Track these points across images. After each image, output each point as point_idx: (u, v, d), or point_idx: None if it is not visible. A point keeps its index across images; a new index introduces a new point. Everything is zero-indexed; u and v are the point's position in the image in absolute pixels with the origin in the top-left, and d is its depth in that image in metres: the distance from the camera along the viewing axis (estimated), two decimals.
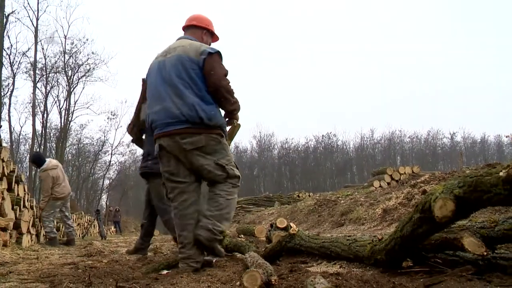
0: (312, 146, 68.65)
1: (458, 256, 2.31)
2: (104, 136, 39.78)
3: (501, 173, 1.59)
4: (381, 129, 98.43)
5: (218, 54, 3.69)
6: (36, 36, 28.81)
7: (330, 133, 68.81)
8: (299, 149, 68.10)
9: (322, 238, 2.98)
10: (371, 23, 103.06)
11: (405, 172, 16.22)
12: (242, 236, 6.47)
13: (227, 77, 3.69)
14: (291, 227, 3.36)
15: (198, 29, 3.94)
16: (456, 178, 1.83)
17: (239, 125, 3.93)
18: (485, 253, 2.04)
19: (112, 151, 40.97)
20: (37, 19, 28.94)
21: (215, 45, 3.96)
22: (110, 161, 42.43)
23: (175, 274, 3.17)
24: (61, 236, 10.29)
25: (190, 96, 3.58)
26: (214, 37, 4.07)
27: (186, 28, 4.00)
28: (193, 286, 2.60)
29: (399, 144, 70.01)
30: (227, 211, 3.61)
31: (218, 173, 3.63)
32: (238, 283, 2.43)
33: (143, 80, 5.48)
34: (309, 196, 20.33)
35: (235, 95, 3.72)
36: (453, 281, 2.01)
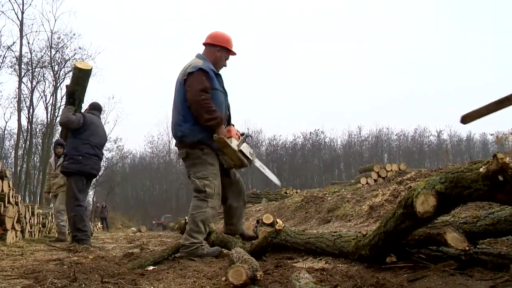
0: (300, 143, 68.89)
1: (441, 252, 2.34)
2: None
3: (481, 169, 1.62)
4: (369, 127, 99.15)
5: (199, 70, 4.01)
6: (21, 30, 28.47)
7: (318, 130, 69.11)
8: (286, 146, 68.28)
9: (308, 234, 3.00)
10: (361, 22, 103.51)
11: (391, 170, 16.30)
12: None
13: (205, 93, 3.96)
14: (277, 223, 3.38)
15: (212, 46, 4.23)
16: (438, 174, 1.86)
17: (220, 140, 4.02)
18: (467, 248, 2.06)
19: None
20: (22, 13, 28.62)
21: (232, 59, 4.35)
22: None
23: (161, 270, 3.17)
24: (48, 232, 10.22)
25: (175, 117, 4.18)
26: (231, 52, 4.29)
27: (203, 44, 4.34)
28: (179, 281, 2.60)
29: (387, 142, 70.50)
30: (192, 226, 4.01)
31: (192, 185, 4.16)
32: (223, 278, 2.43)
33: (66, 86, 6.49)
34: (297, 192, 20.37)
35: (213, 112, 3.93)
36: (436, 276, 2.04)
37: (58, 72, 32.08)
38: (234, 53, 4.32)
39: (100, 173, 43.01)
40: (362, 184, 14.20)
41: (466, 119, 1.91)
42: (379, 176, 16.00)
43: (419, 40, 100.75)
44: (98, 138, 6.35)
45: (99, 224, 28.02)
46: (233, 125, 4.41)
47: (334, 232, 3.10)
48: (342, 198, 8.41)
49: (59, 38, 31.40)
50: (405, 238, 2.25)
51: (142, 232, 20.51)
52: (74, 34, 32.61)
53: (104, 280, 2.51)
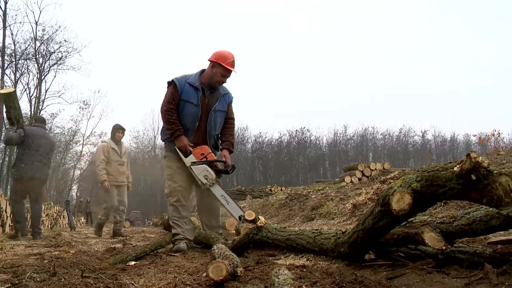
0: (286, 140, 68.96)
1: (420, 250, 2.37)
2: (76, 126, 38.98)
3: (455, 168, 1.64)
4: (354, 126, 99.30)
5: (171, 82, 4.52)
6: (4, 21, 27.85)
7: (304, 128, 69.22)
8: (272, 143, 68.35)
9: (289, 231, 3.02)
10: (347, 21, 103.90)
11: (376, 169, 16.43)
12: None
13: (169, 104, 4.45)
14: (258, 219, 3.39)
15: (210, 62, 4.56)
16: (414, 172, 1.89)
17: (177, 149, 4.54)
18: (444, 248, 2.09)
19: (83, 141, 40.23)
20: (6, 3, 27.90)
21: (233, 76, 4.63)
22: (81, 151, 41.73)
23: (142, 265, 3.17)
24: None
25: None
26: (226, 69, 4.49)
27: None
28: (159, 277, 2.61)
29: (372, 141, 70.92)
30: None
31: None
32: (204, 274, 2.44)
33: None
34: (281, 190, 20.40)
35: (170, 123, 4.44)
36: (414, 273, 2.08)
37: (43, 65, 31.54)
38: (230, 70, 4.51)
39: (84, 168, 41.97)
40: (347, 183, 14.26)
41: None
42: (363, 175, 16.11)
43: (405, 40, 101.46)
44: (42, 147, 7.14)
45: (83, 219, 27.78)
46: (228, 151, 4.62)
47: (315, 229, 3.12)
48: (326, 196, 8.45)
49: (44, 30, 30.86)
50: (383, 236, 2.28)
51: (126, 227, 20.35)
52: (59, 27, 32.15)
53: (85, 274, 2.50)
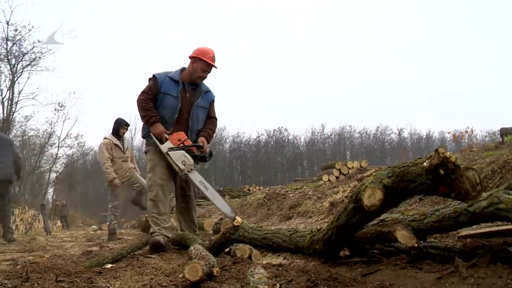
0: (264, 140, 68.99)
1: (393, 247, 2.41)
2: (51, 128, 38.22)
3: (424, 164, 1.68)
4: (332, 125, 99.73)
5: (152, 77, 4.57)
6: None
7: (282, 127, 69.35)
8: (250, 143, 68.35)
9: (265, 230, 3.04)
10: (325, 22, 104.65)
11: (353, 167, 16.52)
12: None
13: (146, 94, 4.49)
14: (234, 219, 3.40)
15: (191, 59, 4.64)
16: (386, 169, 1.92)
17: (152, 137, 4.50)
18: (416, 245, 2.12)
19: (59, 143, 39.50)
20: None
21: (214, 72, 4.67)
22: (57, 154, 40.95)
23: (119, 268, 3.14)
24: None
25: None
26: (208, 64, 4.55)
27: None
28: (136, 279, 2.59)
29: (349, 139, 71.56)
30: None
31: None
32: (181, 275, 2.44)
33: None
34: (259, 189, 20.41)
35: (146, 111, 4.45)
36: (388, 269, 2.11)
37: (16, 66, 30.87)
38: (211, 65, 4.57)
39: (60, 170, 41.05)
40: (324, 181, 14.33)
41: None
42: (340, 173, 16.19)
43: (382, 41, 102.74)
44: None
45: (59, 222, 27.33)
46: (205, 138, 4.59)
47: (291, 228, 3.15)
48: (304, 195, 8.50)
49: (16, 30, 30.19)
50: (357, 232, 2.31)
51: (103, 230, 20.12)
52: (32, 27, 31.44)
53: (59, 279, 2.46)
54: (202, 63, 4.52)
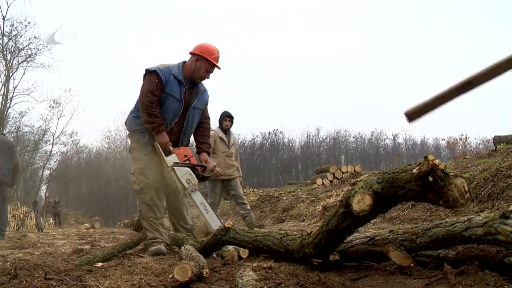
0: (259, 142, 69.00)
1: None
2: (46, 125, 38.15)
3: (414, 170, 1.69)
4: (327, 128, 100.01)
5: (153, 72, 4.13)
6: None
7: (277, 130, 69.36)
8: (245, 145, 68.34)
9: (256, 232, 3.03)
10: (322, 23, 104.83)
11: (347, 171, 16.56)
12: None
13: (152, 95, 4.06)
14: (226, 221, 3.41)
15: (193, 56, 4.28)
16: (376, 174, 1.93)
17: (156, 146, 4.16)
18: (411, 264, 2.11)
19: (53, 140, 39.46)
20: None
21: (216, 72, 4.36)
22: (51, 151, 40.86)
23: (109, 267, 3.13)
24: None
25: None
26: (212, 64, 4.23)
27: (189, 53, 4.39)
28: (125, 278, 2.58)
29: (344, 144, 71.67)
30: (143, 225, 4.29)
31: None
32: (170, 275, 2.44)
33: None
34: (253, 191, 20.44)
35: (153, 117, 4.05)
36: (377, 275, 2.12)
37: (11, 61, 30.78)
38: (215, 66, 4.27)
39: (53, 167, 40.96)
40: (318, 185, 14.38)
41: (412, 115, 1.55)
42: (334, 177, 16.22)
43: (379, 44, 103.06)
44: None
45: (51, 219, 27.24)
46: (207, 154, 4.47)
47: (282, 230, 3.15)
48: (297, 198, 8.53)
49: (12, 25, 30.08)
50: (346, 237, 2.32)
51: (96, 228, 20.08)
52: (29, 23, 31.32)
53: (48, 276, 2.45)
54: (207, 63, 4.19)
